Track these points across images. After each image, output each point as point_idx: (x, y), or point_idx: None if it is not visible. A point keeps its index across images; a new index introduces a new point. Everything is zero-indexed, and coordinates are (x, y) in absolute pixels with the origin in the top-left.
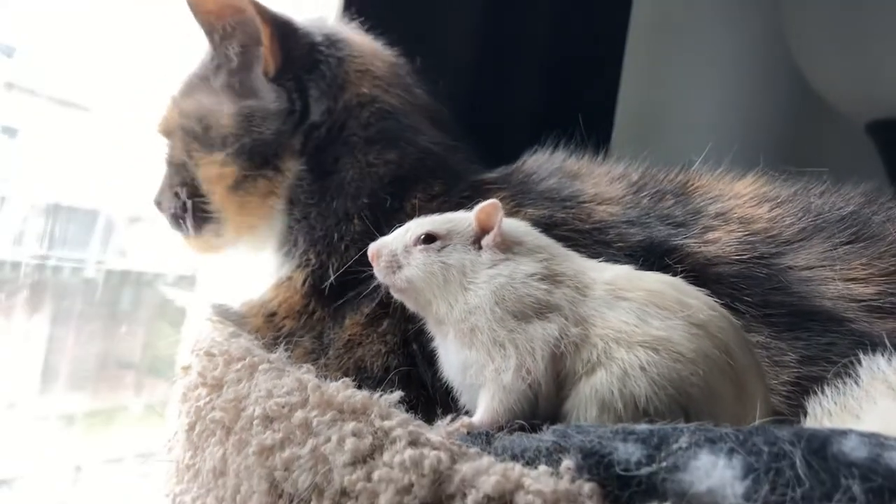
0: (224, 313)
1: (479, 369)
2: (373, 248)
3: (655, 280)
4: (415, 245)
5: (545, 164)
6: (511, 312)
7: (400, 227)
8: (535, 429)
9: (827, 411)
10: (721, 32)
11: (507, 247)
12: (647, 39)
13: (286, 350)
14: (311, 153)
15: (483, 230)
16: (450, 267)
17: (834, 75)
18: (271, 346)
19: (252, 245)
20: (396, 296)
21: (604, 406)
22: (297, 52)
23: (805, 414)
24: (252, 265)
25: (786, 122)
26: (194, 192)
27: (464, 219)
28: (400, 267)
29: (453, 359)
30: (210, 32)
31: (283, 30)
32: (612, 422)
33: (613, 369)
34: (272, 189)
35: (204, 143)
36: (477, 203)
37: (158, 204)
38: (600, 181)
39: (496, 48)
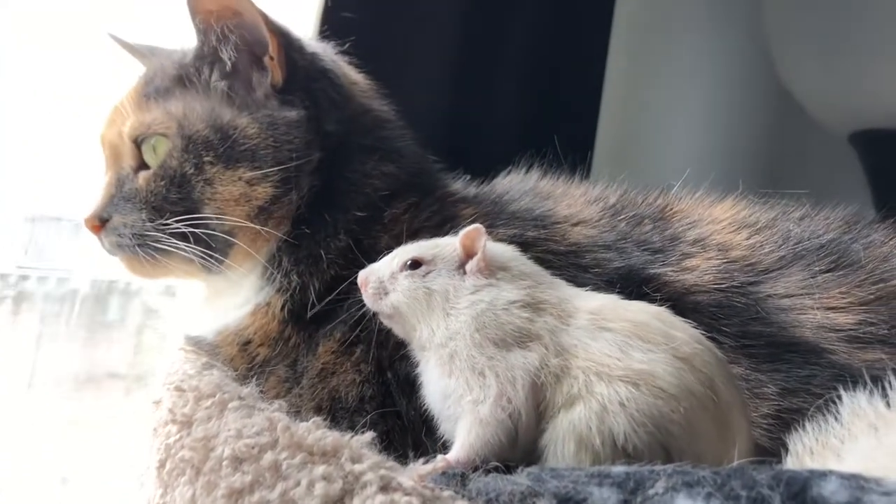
0: (197, 343)
1: (458, 399)
2: (362, 275)
3: (641, 310)
4: (401, 271)
5: (519, 184)
6: (491, 339)
7: (383, 245)
8: (510, 469)
9: (808, 449)
10: (703, 44)
11: (492, 272)
12: (628, 51)
13: (260, 379)
14: (326, 167)
15: (467, 255)
16: (433, 292)
17: (816, 86)
18: (245, 377)
19: (239, 273)
20: (385, 322)
21: (581, 442)
22: (301, 62)
23: (786, 450)
24: (216, 288)
25: (769, 134)
26: (188, 210)
27: (450, 244)
28: (386, 293)
29: (434, 387)
30: (206, 31)
31: (287, 39)
32: (590, 458)
33: (592, 404)
34: (289, 210)
35: (223, 156)
36: (450, 218)
37: (103, 221)
38: (575, 203)
39: (475, 66)
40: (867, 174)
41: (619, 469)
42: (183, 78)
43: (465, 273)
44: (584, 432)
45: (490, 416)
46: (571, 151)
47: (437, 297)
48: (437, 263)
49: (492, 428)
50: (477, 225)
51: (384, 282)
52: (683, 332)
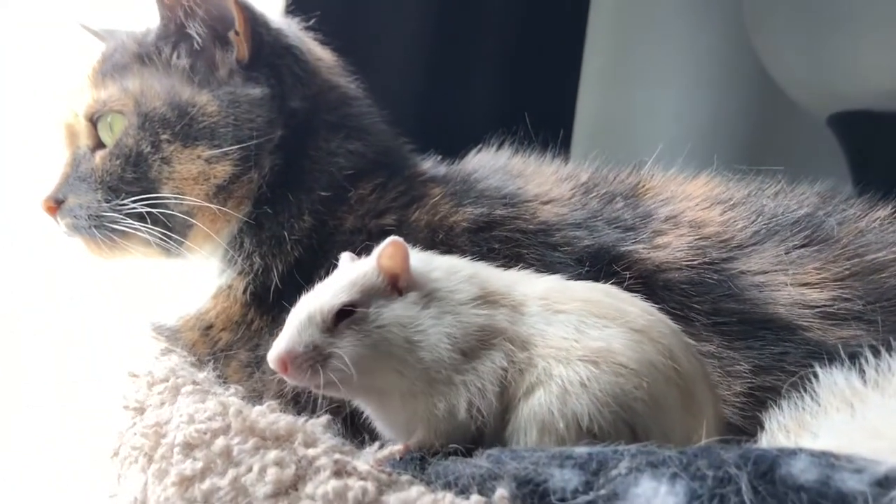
0: (158, 328)
1: (425, 412)
2: (277, 355)
3: (589, 289)
4: (332, 327)
5: (489, 162)
6: (460, 349)
7: (348, 225)
8: (470, 453)
9: (783, 426)
10: (683, 24)
11: (426, 280)
12: (607, 30)
13: (222, 364)
14: (288, 145)
15: (391, 275)
16: (388, 331)
17: (795, 68)
18: (207, 363)
19: (200, 255)
20: (328, 393)
21: (544, 428)
22: (267, 37)
23: (762, 428)
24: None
25: (747, 116)
26: (145, 189)
27: (367, 272)
28: (327, 358)
29: (396, 418)
30: (171, 7)
31: (252, 14)
32: (555, 444)
33: (552, 388)
34: (249, 190)
35: (180, 134)
36: (418, 198)
37: (59, 202)
38: (546, 181)
39: (448, 42)
40: (846, 156)
41: (581, 450)
42: (143, 56)
43: (400, 294)
44: (547, 417)
45: (456, 421)
46: (551, 130)
47: (395, 335)
48: (370, 298)
49: (457, 431)
50: (391, 239)
51: (318, 347)
52: (634, 306)
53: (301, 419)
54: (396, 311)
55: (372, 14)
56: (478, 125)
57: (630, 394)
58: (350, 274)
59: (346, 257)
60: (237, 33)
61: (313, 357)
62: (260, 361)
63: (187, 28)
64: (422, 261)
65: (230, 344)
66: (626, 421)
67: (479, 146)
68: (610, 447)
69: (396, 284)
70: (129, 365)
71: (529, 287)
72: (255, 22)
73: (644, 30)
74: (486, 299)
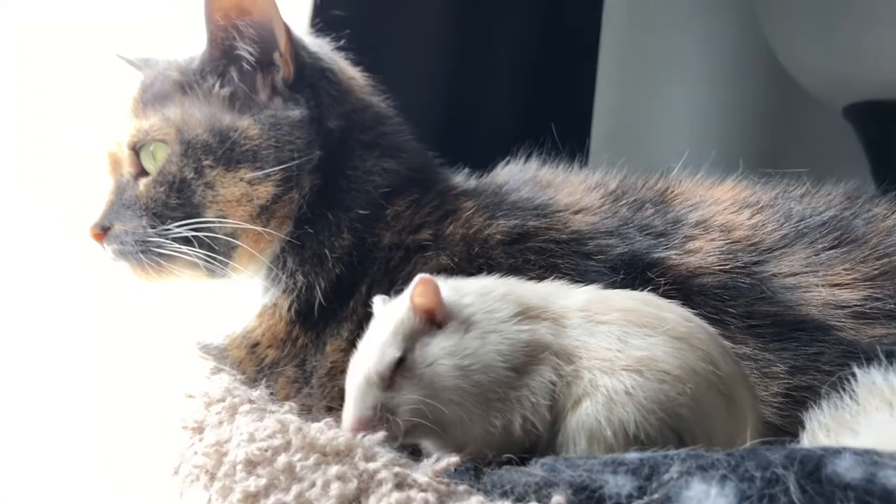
0: (205, 347)
1: (481, 431)
2: (350, 426)
3: (628, 298)
4: (390, 382)
5: (518, 174)
6: (513, 367)
7: (386, 242)
8: (523, 461)
9: (824, 427)
10: (694, 22)
11: (459, 309)
12: (621, 32)
13: (269, 381)
14: (326, 165)
15: (426, 311)
16: (439, 364)
17: (809, 60)
18: (255, 379)
19: (244, 275)
20: (410, 441)
21: (592, 436)
22: (308, 59)
23: (803, 428)
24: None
25: (764, 110)
26: (189, 214)
27: (404, 316)
28: (392, 411)
29: (452, 441)
30: (221, 31)
31: (291, 34)
32: (604, 452)
33: (598, 398)
34: (291, 210)
35: (223, 158)
36: (451, 212)
37: (105, 229)
38: (575, 190)
39: (467, 57)
40: (864, 146)
41: (632, 456)
42: (184, 84)
43: (439, 327)
44: (594, 426)
45: (512, 437)
46: (568, 138)
47: (445, 366)
48: (414, 341)
49: (512, 445)
50: (421, 277)
51: (384, 405)
52: (672, 313)
53: (359, 435)
54: (440, 343)
55: (390, 32)
56: (494, 137)
57: (675, 400)
58: (389, 324)
59: (378, 301)
60: (281, 55)
61: (382, 416)
62: (307, 377)
63: (237, 49)
64: (452, 289)
65: (276, 361)
66: (672, 427)
67: (507, 158)
68: (660, 452)
69: (434, 319)
70: (181, 384)
71: (567, 299)
72: (296, 43)
73: (656, 29)
74: (527, 315)
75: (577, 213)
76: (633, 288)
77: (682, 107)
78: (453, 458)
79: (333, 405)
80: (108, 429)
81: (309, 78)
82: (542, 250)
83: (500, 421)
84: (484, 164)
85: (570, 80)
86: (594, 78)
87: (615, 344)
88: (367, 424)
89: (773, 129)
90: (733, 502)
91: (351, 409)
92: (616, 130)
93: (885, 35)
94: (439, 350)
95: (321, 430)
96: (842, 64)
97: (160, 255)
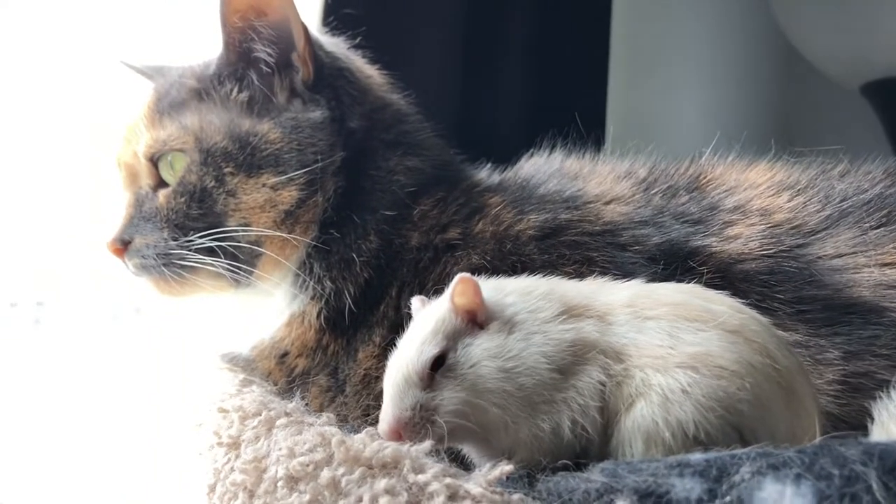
0: (233, 360)
1: (529, 435)
2: (388, 426)
3: (675, 291)
4: (430, 381)
5: (543, 166)
6: (558, 367)
7: (414, 243)
8: (579, 467)
9: (893, 416)
10: (704, 5)
11: (502, 309)
12: (631, 18)
13: (302, 391)
14: (349, 166)
15: (468, 311)
16: (482, 366)
17: (822, 39)
18: (286, 390)
19: (270, 283)
20: (450, 444)
21: (649, 439)
22: (326, 59)
23: (871, 419)
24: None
25: (779, 93)
26: (212, 224)
27: (444, 315)
28: (433, 411)
29: (498, 446)
30: (241, 30)
31: (309, 34)
32: (662, 454)
33: (653, 398)
34: (315, 214)
35: (244, 165)
36: (478, 210)
37: (125, 243)
38: (605, 180)
39: (478, 50)
40: (883, 124)
41: (698, 457)
42: (201, 91)
43: (481, 328)
44: (651, 428)
45: (561, 440)
46: (584, 126)
47: (489, 368)
48: (454, 341)
49: (563, 450)
50: (461, 276)
51: (422, 405)
52: (723, 305)
53: (405, 445)
54: (483, 344)
55: (402, 29)
56: (509, 130)
57: (734, 396)
58: (429, 322)
59: (416, 302)
60: (300, 56)
61: (422, 416)
62: (341, 385)
63: (255, 52)
64: (494, 289)
65: (307, 370)
66: (733, 424)
67: (531, 151)
68: (726, 452)
69: (475, 320)
70: (212, 398)
71: (612, 295)
72: (314, 43)
73: (667, 15)
74: (571, 313)
75: (608, 203)
76: (675, 278)
77: (695, 93)
78: (506, 467)
79: (370, 413)
80: (137, 448)
81: (328, 78)
82: (575, 244)
83: (547, 424)
84: (500, 157)
85: (582, 67)
86: (606, 66)
87: (666, 340)
88: (404, 426)
89: (788, 110)
90: (812, 502)
91: (389, 409)
92: (631, 116)
93: None
94: (482, 351)
95: (365, 442)
96: (857, 42)
97: (183, 267)
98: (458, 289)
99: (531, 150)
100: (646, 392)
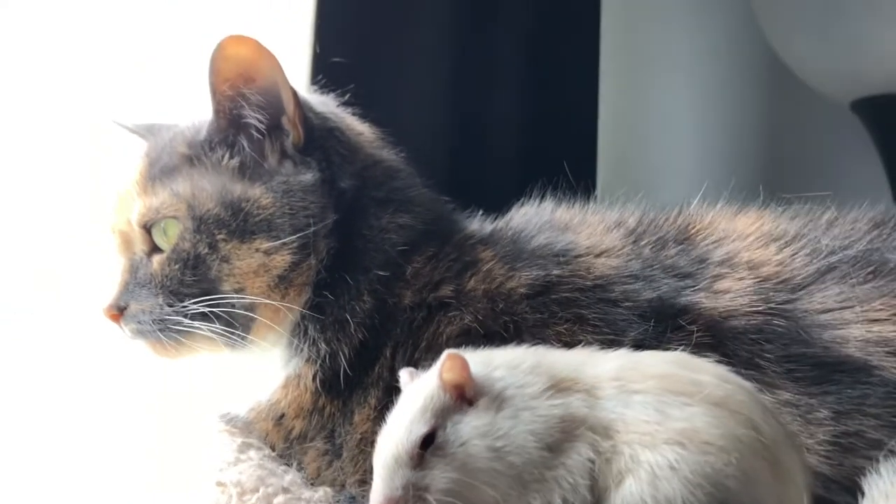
0: (231, 421)
1: None
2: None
3: (661, 362)
4: (419, 460)
5: (534, 217)
6: (548, 445)
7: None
8: None
9: (884, 493)
10: (692, 26)
11: (490, 384)
12: (620, 39)
13: (298, 455)
14: (341, 227)
15: (456, 387)
16: (471, 444)
17: (812, 56)
18: (283, 454)
19: (265, 346)
20: None
21: None
22: (316, 120)
23: (862, 494)
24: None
25: (768, 110)
26: (206, 291)
27: (433, 392)
28: (424, 490)
29: None
30: (231, 98)
31: (298, 97)
32: None
33: (641, 475)
34: (309, 277)
35: (237, 231)
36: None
37: (121, 309)
38: (595, 231)
39: (467, 91)
40: (874, 141)
41: None
42: (192, 157)
43: (470, 404)
44: None
45: None
46: (576, 153)
47: (478, 447)
48: (444, 419)
49: None
50: (450, 353)
51: (414, 485)
52: (708, 374)
53: None
54: (472, 422)
55: (389, 76)
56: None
57: (721, 472)
58: (418, 400)
59: (405, 375)
60: (289, 119)
61: (413, 496)
62: (338, 449)
63: (245, 118)
64: (481, 363)
65: (304, 432)
66: (720, 500)
67: (521, 200)
68: None
69: (464, 395)
70: (210, 467)
71: (598, 367)
72: (303, 105)
73: (655, 39)
74: (558, 387)
75: (598, 256)
76: (665, 336)
77: (684, 112)
78: None
79: (366, 478)
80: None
81: (318, 140)
82: (567, 301)
83: (538, 502)
84: (490, 203)
85: (570, 110)
86: (597, 87)
87: (653, 416)
88: (391, 497)
89: (777, 127)
90: None
91: (380, 489)
92: (620, 140)
93: (891, 26)
94: (472, 429)
95: None
96: (847, 58)
97: (179, 332)
98: (447, 365)
99: (521, 200)
100: (634, 468)
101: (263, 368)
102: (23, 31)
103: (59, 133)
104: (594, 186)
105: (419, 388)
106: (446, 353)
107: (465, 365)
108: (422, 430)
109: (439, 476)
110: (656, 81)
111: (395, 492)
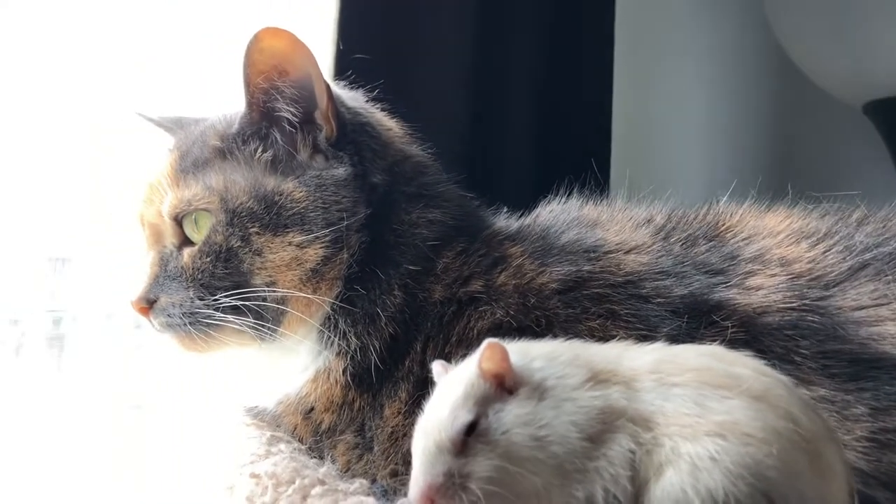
0: (259, 415)
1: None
2: (421, 493)
3: (697, 355)
4: (462, 448)
5: (561, 214)
6: (589, 436)
7: (437, 296)
8: None
9: None
10: (704, 29)
11: (530, 374)
12: (633, 42)
13: (328, 448)
14: (372, 222)
15: (496, 377)
16: (514, 433)
17: (825, 60)
18: (313, 448)
19: (295, 339)
20: None
21: None
22: (347, 114)
23: None
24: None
25: (781, 113)
26: (238, 284)
27: (473, 381)
28: (466, 478)
29: None
30: (265, 90)
31: (331, 91)
32: None
33: (681, 466)
34: (340, 271)
35: (270, 224)
36: (500, 260)
37: (151, 302)
38: (623, 228)
39: (485, 91)
40: (886, 143)
41: None
42: (224, 150)
43: (510, 393)
44: (680, 497)
45: None
46: (591, 150)
47: (521, 435)
48: (485, 407)
49: None
50: (489, 342)
51: (454, 474)
52: (746, 368)
53: None
54: (514, 411)
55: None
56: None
57: (762, 463)
58: (458, 387)
59: (438, 367)
60: (322, 113)
61: (452, 487)
62: (368, 443)
63: (278, 111)
64: (520, 353)
65: (334, 426)
66: (762, 491)
67: (548, 197)
68: None
69: (503, 385)
70: (241, 460)
71: (635, 360)
72: (336, 100)
73: (668, 40)
74: (597, 379)
75: (628, 252)
76: (699, 333)
77: (697, 115)
78: None
79: (398, 470)
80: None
81: (351, 134)
82: (599, 297)
83: (581, 493)
84: (506, 199)
85: (585, 118)
86: (611, 89)
87: (693, 409)
88: (436, 492)
89: (791, 131)
90: None
91: (420, 476)
92: (634, 141)
93: None
94: (514, 418)
95: None
96: (859, 61)
97: (209, 325)
98: (486, 354)
99: (547, 197)
100: (675, 460)
101: (291, 363)
102: (23, 32)
103: (58, 133)
104: (608, 187)
105: (458, 377)
106: (486, 341)
107: (504, 354)
108: (467, 417)
109: (483, 463)
110: (669, 84)
111: (436, 478)
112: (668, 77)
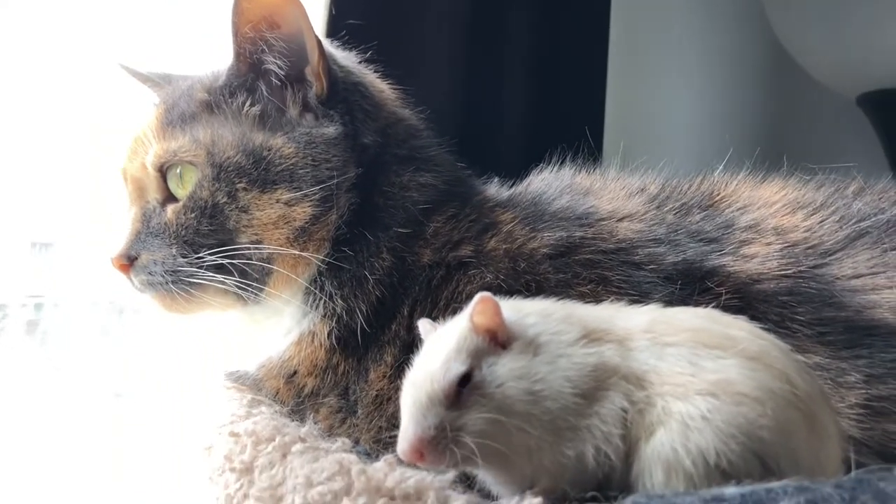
0: (239, 378)
1: (553, 462)
2: (411, 445)
3: (692, 316)
4: (457, 399)
5: (553, 181)
6: (582, 393)
7: (426, 260)
8: (608, 499)
9: None
10: (699, 21)
11: (523, 329)
12: (628, 31)
13: (311, 412)
14: (363, 182)
15: (488, 331)
16: (509, 386)
17: (819, 51)
18: (295, 411)
19: (280, 300)
20: (466, 468)
21: (669, 467)
22: (340, 73)
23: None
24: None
25: (774, 103)
26: (223, 241)
27: (465, 334)
28: (459, 430)
29: (521, 472)
30: (252, 40)
31: (323, 48)
32: (684, 484)
33: (672, 425)
34: (328, 231)
35: (258, 180)
36: (491, 226)
37: (131, 259)
38: (616, 196)
39: (479, 62)
40: (879, 136)
41: (732, 491)
42: (211, 104)
43: (503, 348)
44: (671, 456)
45: (585, 468)
46: (584, 132)
47: (515, 389)
48: (479, 361)
49: (586, 478)
50: (481, 296)
51: (445, 426)
52: (742, 330)
53: (429, 475)
54: (508, 364)
55: (402, 37)
56: (510, 142)
57: (755, 422)
58: (450, 340)
59: (425, 324)
60: (312, 69)
61: (444, 439)
62: (352, 406)
63: (265, 63)
64: (513, 309)
65: (317, 390)
66: (755, 451)
67: (541, 166)
68: (761, 486)
69: (496, 339)
70: (221, 420)
71: (630, 320)
72: (328, 58)
73: (664, 28)
74: (591, 337)
75: (621, 220)
76: (692, 299)
77: (692, 104)
78: (535, 499)
79: (381, 436)
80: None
81: (342, 93)
82: (590, 262)
83: (572, 451)
84: (503, 171)
85: (580, 74)
86: (605, 72)
87: (687, 367)
88: (426, 445)
89: (784, 122)
90: None
91: (411, 428)
92: (627, 128)
93: None
94: (508, 371)
95: (386, 471)
96: (853, 53)
97: (192, 284)
98: (479, 308)
99: (539, 165)
100: (666, 420)
101: (274, 326)
102: (22, 32)
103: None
104: (601, 157)
105: (449, 332)
106: (479, 295)
107: (497, 308)
108: (460, 368)
109: (476, 416)
110: (662, 73)
111: (428, 431)
112: (661, 66)
